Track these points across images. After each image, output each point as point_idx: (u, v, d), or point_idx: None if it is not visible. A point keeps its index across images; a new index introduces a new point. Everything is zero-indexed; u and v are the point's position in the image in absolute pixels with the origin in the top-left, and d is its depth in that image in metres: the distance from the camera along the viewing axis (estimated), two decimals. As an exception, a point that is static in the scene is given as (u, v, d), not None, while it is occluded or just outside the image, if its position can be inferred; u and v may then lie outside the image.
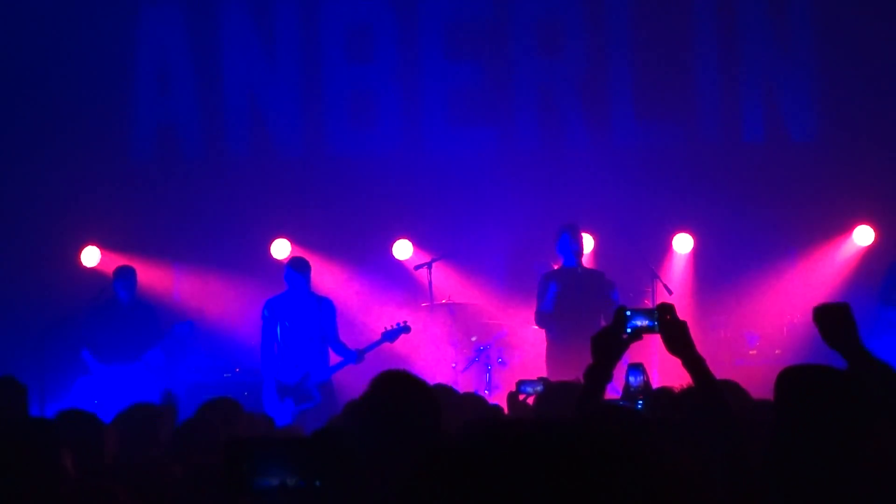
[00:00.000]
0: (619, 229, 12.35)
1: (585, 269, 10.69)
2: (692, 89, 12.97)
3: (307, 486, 2.98)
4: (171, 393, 7.26)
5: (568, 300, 10.29)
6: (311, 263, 11.09)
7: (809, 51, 12.82)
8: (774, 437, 3.60)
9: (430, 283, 12.01)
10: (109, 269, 12.63)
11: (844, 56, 12.66)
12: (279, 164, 13.27)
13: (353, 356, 10.59)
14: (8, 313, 12.60)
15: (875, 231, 12.56)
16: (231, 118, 13.33)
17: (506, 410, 7.01)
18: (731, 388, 5.15)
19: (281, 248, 12.84)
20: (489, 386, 11.38)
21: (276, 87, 13.30)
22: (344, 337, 10.94)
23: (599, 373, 3.92)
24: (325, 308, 10.87)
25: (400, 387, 4.07)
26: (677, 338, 3.83)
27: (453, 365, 11.70)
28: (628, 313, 3.93)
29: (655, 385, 6.77)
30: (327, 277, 12.58)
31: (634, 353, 5.53)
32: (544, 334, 10.62)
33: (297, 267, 10.88)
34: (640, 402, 5.53)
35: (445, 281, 12.66)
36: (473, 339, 11.84)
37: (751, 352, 12.23)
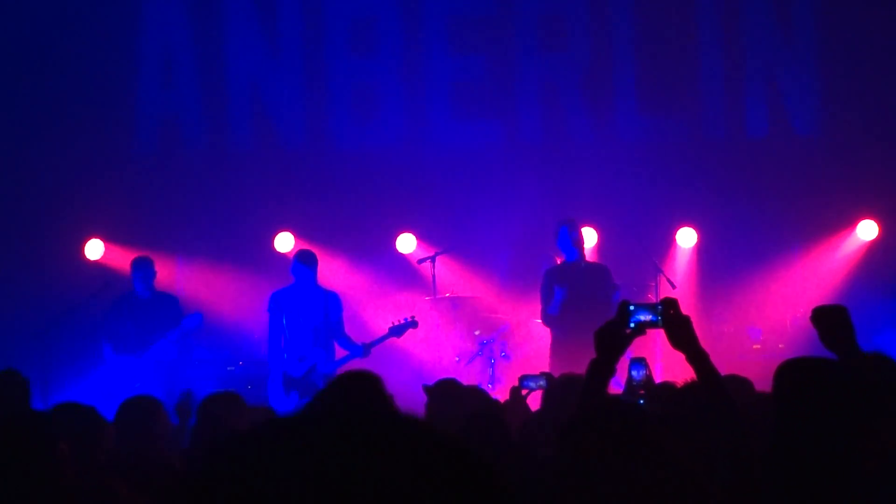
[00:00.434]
0: (623, 224, 12.34)
1: (588, 263, 10.68)
2: (696, 84, 12.95)
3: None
4: (189, 393, 7.18)
5: (572, 296, 10.28)
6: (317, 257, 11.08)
7: (813, 45, 12.79)
8: (774, 430, 3.60)
9: (434, 276, 12.01)
10: (113, 262, 12.64)
11: (848, 50, 12.64)
12: (283, 157, 13.27)
13: (360, 350, 10.58)
14: (12, 306, 12.60)
15: (879, 226, 12.54)
16: (235, 111, 13.32)
17: (504, 404, 7.03)
18: (738, 382, 5.15)
19: (284, 242, 12.84)
20: (492, 380, 11.38)
21: (279, 81, 13.29)
22: (347, 330, 10.93)
23: (602, 368, 3.91)
24: (331, 301, 10.85)
25: (356, 387, 4.13)
26: (681, 333, 3.82)
27: (456, 359, 11.70)
28: (632, 308, 3.92)
29: (658, 380, 6.76)
30: (330, 271, 12.57)
31: (637, 347, 5.52)
32: (549, 329, 10.62)
33: (304, 260, 10.85)
34: (642, 397, 5.52)
35: (449, 275, 12.66)
36: (477, 332, 11.83)
37: (754, 346, 12.22)
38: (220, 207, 13.11)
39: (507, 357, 11.56)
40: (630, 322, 3.90)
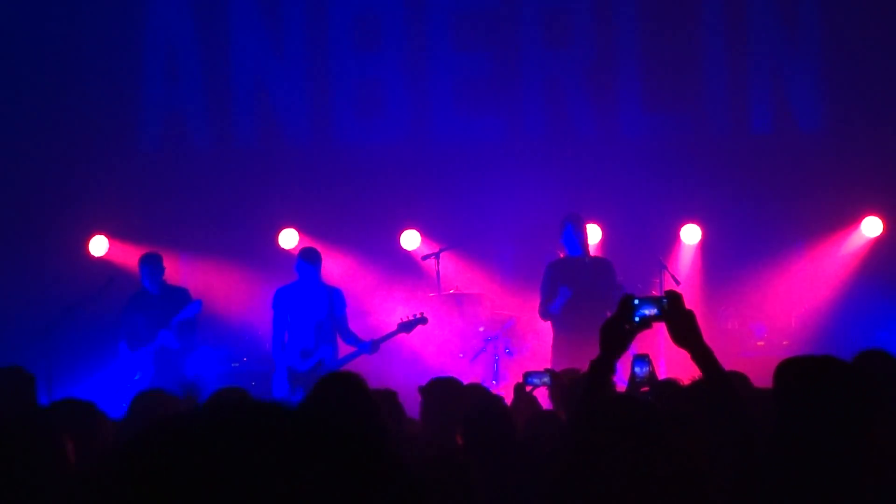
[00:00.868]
0: (627, 220, 12.34)
1: (592, 257, 10.66)
2: (700, 80, 12.94)
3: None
4: (193, 384, 7.17)
5: (574, 292, 10.26)
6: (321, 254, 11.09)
7: (818, 42, 12.78)
8: (774, 428, 3.61)
9: (438, 273, 12.02)
10: (117, 258, 12.64)
11: (853, 46, 12.63)
12: (287, 153, 13.27)
13: (367, 346, 10.59)
14: (16, 302, 12.60)
15: (883, 222, 12.53)
16: (239, 107, 13.33)
17: (510, 401, 7.02)
18: (736, 378, 5.15)
19: (288, 238, 12.85)
20: (496, 376, 11.37)
21: (284, 77, 13.29)
22: (352, 327, 10.94)
23: (605, 363, 3.90)
24: (335, 298, 10.86)
25: (338, 390, 4.16)
26: (684, 328, 3.81)
27: (461, 355, 11.69)
28: (636, 302, 3.90)
29: (661, 376, 6.77)
30: (334, 267, 12.58)
31: (640, 343, 5.53)
32: (550, 325, 10.60)
33: (308, 257, 10.86)
34: (646, 393, 5.53)
35: (453, 271, 12.66)
36: (481, 329, 11.83)
37: (758, 343, 12.22)
38: (225, 204, 13.12)
39: (511, 353, 11.56)
40: (634, 316, 3.89)
